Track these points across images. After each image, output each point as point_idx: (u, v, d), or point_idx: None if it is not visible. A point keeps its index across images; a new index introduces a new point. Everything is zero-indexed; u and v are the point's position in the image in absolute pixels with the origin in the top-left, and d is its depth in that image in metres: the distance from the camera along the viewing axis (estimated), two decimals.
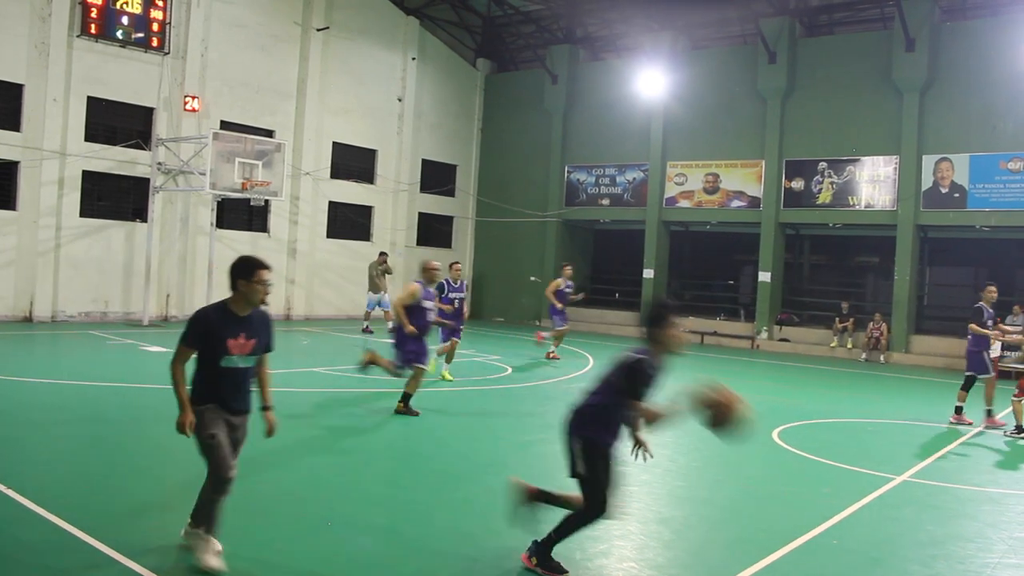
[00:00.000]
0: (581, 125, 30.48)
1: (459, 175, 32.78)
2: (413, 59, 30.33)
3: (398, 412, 11.55)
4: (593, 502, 5.84)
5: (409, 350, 11.53)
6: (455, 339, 15.25)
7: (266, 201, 24.48)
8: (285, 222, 26.69)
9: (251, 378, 5.76)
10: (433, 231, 31.90)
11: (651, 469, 9.85)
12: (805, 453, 10.48)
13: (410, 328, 11.42)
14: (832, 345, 24.93)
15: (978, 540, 7.48)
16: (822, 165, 25.81)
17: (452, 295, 15.25)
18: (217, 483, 5.52)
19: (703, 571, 6.39)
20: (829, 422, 13.46)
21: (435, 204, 31.92)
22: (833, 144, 25.48)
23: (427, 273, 11.91)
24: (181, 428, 5.46)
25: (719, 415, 5.50)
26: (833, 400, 16.61)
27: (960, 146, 23.53)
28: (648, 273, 28.63)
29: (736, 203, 27.30)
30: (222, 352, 5.50)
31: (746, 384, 18.01)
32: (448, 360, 15.34)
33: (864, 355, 23.98)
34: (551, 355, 19.68)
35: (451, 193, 32.58)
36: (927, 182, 24.08)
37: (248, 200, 23.62)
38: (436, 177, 31.88)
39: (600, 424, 5.91)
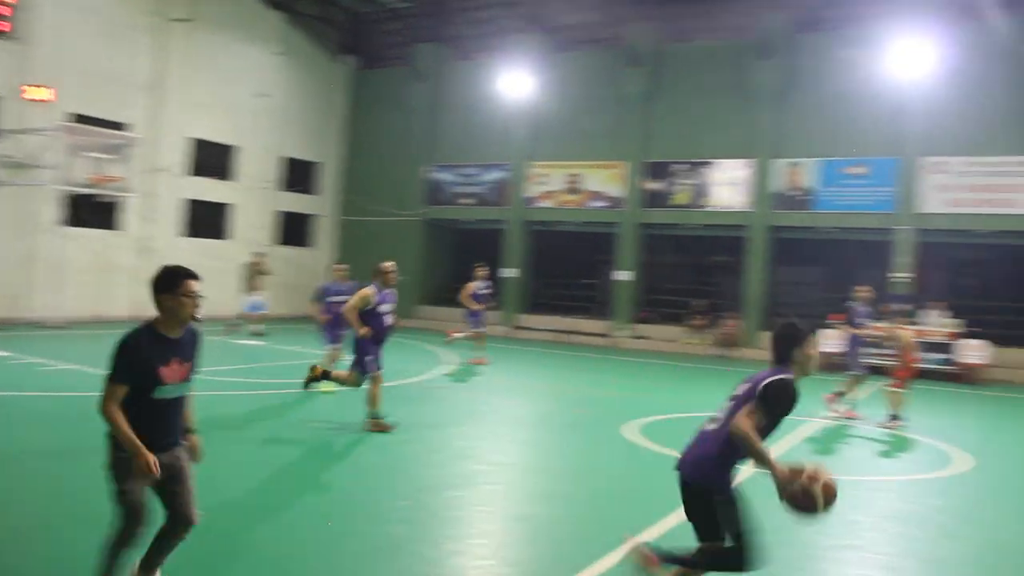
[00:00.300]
0: (446, 124, 30.53)
1: (323, 173, 32.35)
2: (277, 54, 29.80)
3: (371, 429, 10.85)
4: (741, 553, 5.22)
5: (371, 357, 11.01)
6: (338, 345, 14.46)
7: (119, 198, 23.60)
8: (139, 220, 25.76)
9: (183, 409, 5.00)
10: (294, 230, 31.39)
11: (513, 467, 9.97)
12: (663, 447, 10.74)
13: (364, 330, 10.90)
14: (686, 342, 25.65)
15: (820, 524, 7.82)
16: (680, 167, 26.58)
17: (336, 298, 14.34)
18: (128, 537, 4.82)
19: (559, 566, 6.46)
20: (687, 416, 13.81)
21: (297, 202, 31.41)
22: (691, 147, 26.31)
23: (381, 276, 11.30)
24: (146, 471, 4.62)
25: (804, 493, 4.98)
26: (690, 395, 17.07)
27: (809, 151, 24.67)
28: (509, 272, 28.89)
29: (597, 203, 27.81)
30: (155, 383, 4.72)
31: (607, 381, 18.39)
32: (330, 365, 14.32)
33: (717, 351, 24.75)
34: (479, 361, 19.01)
35: (314, 191, 32.14)
36: (778, 185, 25.12)
37: (100, 196, 22.72)
38: (299, 175, 31.39)
39: (735, 466, 5.30)
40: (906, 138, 23.36)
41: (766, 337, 24.88)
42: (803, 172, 24.92)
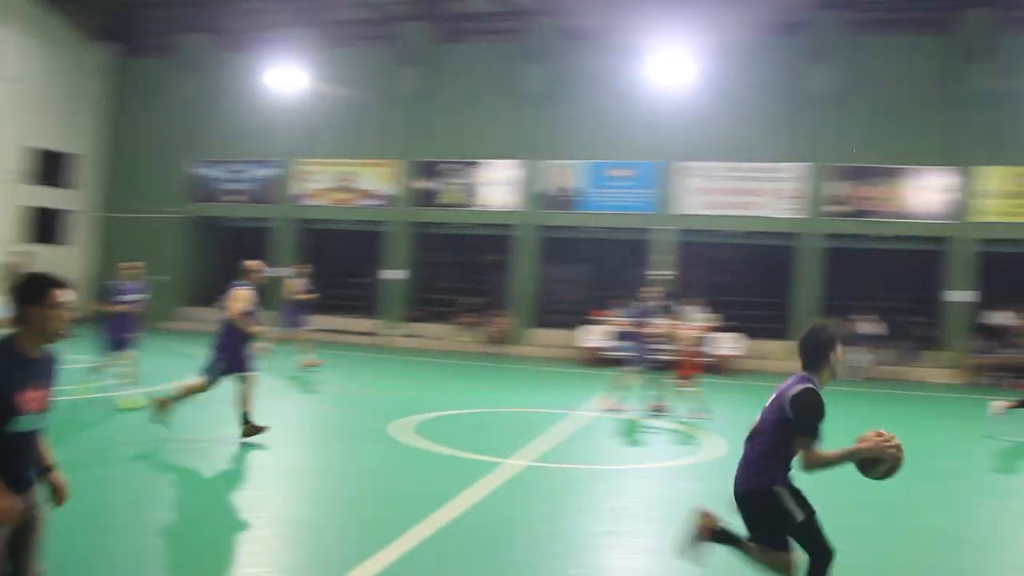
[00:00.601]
0: (215, 118, 29.41)
1: (80, 166, 30.43)
2: (28, 36, 27.71)
3: (247, 435, 10.31)
4: (816, 550, 5.08)
5: (240, 357, 10.42)
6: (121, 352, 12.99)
7: None
8: None
9: (38, 443, 4.13)
10: (47, 226, 29.36)
11: (280, 471, 9.74)
12: (433, 444, 10.79)
13: (261, 329, 10.40)
14: (457, 340, 25.87)
15: (586, 513, 8.11)
16: (453, 167, 26.86)
17: (126, 297, 13.05)
18: None
19: (328, 569, 6.37)
20: (457, 413, 13.95)
21: (50, 197, 29.39)
22: (463, 147, 26.65)
23: (251, 275, 10.72)
24: (8, 517, 3.86)
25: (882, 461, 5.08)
26: (461, 392, 17.25)
27: (577, 153, 25.56)
28: (279, 271, 28.16)
29: (370, 202, 27.66)
30: (12, 413, 3.86)
31: (378, 380, 18.32)
32: (127, 380, 12.89)
33: (487, 348, 25.13)
34: (312, 362, 17.97)
35: (70, 185, 30.18)
36: (547, 185, 25.87)
37: None
38: (52, 167, 29.37)
39: (779, 471, 5.15)
40: (667, 143, 24.71)
41: (535, 334, 25.73)
42: (571, 173, 25.79)
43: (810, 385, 5.05)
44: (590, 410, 14.63)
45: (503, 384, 19.13)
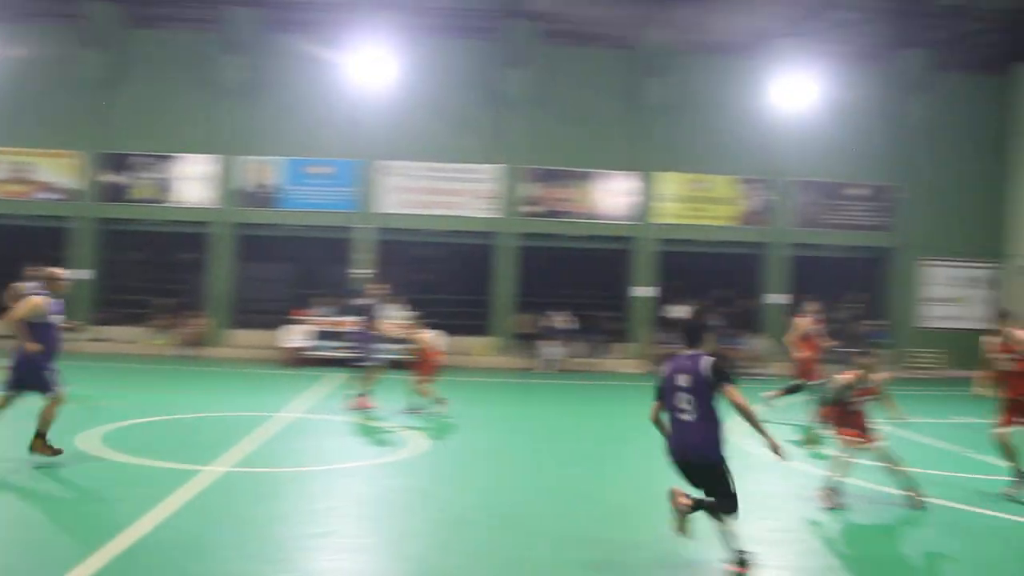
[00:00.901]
0: None
1: None
2: None
3: (37, 451, 9.74)
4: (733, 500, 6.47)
5: (51, 371, 9.88)
6: None
7: None
8: None
9: None
10: None
11: None
12: (126, 455, 10.23)
13: (35, 346, 9.52)
14: (151, 343, 24.62)
15: (292, 516, 8.01)
16: (143, 160, 25.52)
17: None
18: None
19: None
20: (152, 420, 13.28)
21: None
22: (155, 139, 25.34)
23: (53, 284, 10.17)
24: None
25: None
26: (155, 398, 16.41)
27: (276, 149, 25.09)
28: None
29: (50, 195, 25.66)
30: None
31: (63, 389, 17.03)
32: None
33: (183, 351, 24.10)
34: None
35: None
36: (245, 182, 25.20)
37: None
38: None
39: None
40: (368, 141, 24.83)
41: (232, 335, 24.97)
42: (269, 170, 25.27)
43: (710, 354, 6.49)
44: (293, 411, 14.41)
45: (201, 388, 18.41)
